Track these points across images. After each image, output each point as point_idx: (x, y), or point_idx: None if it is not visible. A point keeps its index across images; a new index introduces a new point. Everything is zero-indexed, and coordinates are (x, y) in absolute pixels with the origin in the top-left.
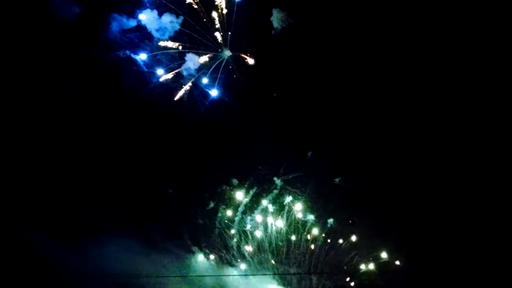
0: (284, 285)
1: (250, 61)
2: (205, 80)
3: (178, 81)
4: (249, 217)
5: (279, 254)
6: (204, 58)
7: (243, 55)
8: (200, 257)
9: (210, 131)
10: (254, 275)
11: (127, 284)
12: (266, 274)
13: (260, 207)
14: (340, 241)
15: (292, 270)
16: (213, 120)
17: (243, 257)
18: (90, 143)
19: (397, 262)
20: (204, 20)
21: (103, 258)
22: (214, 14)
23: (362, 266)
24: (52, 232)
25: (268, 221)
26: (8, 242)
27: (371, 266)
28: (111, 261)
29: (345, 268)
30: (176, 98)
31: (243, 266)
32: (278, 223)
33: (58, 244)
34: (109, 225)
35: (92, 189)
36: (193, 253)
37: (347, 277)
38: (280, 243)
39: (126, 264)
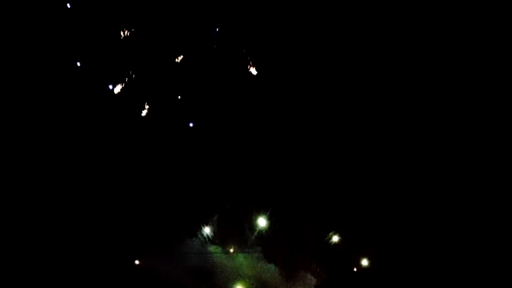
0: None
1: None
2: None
3: None
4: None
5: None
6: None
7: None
8: (184, 237)
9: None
10: (240, 252)
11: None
12: (250, 252)
13: None
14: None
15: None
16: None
17: (226, 236)
18: (81, 141)
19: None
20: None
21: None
22: None
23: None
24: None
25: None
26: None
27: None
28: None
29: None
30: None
31: (227, 245)
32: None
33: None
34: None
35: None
36: (177, 233)
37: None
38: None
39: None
